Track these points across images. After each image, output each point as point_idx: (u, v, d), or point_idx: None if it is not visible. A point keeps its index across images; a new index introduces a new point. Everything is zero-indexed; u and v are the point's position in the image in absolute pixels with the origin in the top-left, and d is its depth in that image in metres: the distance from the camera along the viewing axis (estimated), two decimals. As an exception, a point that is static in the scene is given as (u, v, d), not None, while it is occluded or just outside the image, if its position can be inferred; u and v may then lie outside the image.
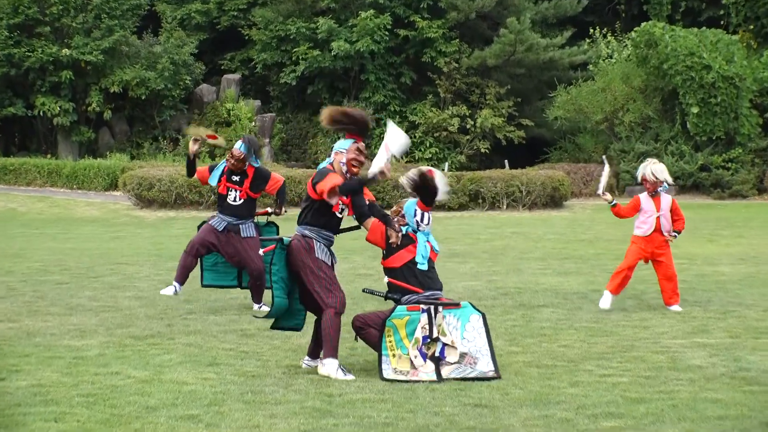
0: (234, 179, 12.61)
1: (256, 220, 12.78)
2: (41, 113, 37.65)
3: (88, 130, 38.65)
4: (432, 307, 8.92)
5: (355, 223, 9.35)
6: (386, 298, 9.19)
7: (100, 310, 12.53)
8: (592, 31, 42.59)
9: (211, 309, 12.69)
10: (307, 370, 9.02)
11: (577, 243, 21.79)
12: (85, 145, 39.07)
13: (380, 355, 8.82)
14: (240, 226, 12.53)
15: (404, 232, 9.20)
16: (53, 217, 28.86)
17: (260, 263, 12.28)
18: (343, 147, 9.06)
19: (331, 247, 9.06)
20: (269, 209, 13.19)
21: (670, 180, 12.88)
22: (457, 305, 9.08)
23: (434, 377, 8.74)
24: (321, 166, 9.08)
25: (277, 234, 12.89)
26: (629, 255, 12.80)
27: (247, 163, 12.59)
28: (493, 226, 26.20)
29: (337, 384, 8.48)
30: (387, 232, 9.12)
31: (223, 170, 12.67)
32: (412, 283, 9.05)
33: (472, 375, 8.80)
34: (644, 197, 12.82)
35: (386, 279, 9.11)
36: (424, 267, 9.11)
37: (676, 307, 12.75)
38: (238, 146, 12.61)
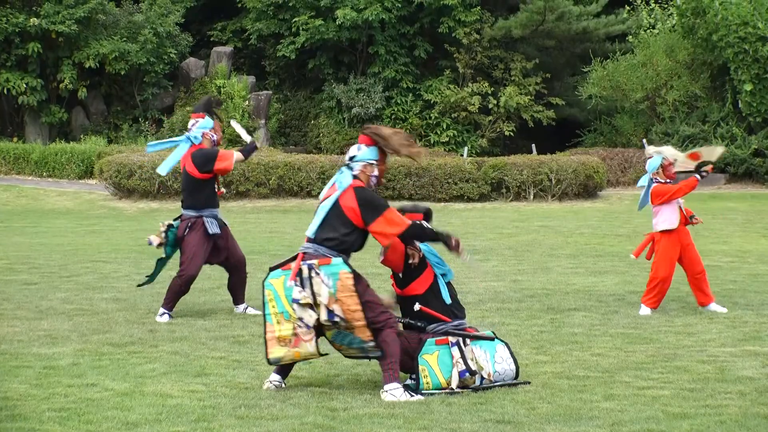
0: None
1: None
2: (6, 91, 37.68)
3: (60, 110, 38.69)
4: (460, 339, 8.97)
5: None
6: (405, 326, 9.14)
7: (73, 313, 12.59)
8: (631, -3, 42.51)
9: (198, 313, 12.74)
10: (307, 382, 9.06)
11: (614, 238, 21.80)
12: (57, 128, 39.12)
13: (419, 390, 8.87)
14: (220, 217, 12.71)
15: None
16: (20, 209, 28.94)
17: (241, 252, 12.73)
18: (372, 158, 9.05)
19: None
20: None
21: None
22: (490, 338, 9.15)
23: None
24: (341, 179, 8.95)
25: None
26: (668, 266, 12.83)
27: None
28: (519, 219, 26.21)
29: (342, 397, 8.52)
30: (407, 250, 9.10)
31: None
32: (438, 310, 9.06)
33: (497, 383, 8.92)
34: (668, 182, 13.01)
35: (417, 306, 9.06)
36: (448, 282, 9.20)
37: (715, 306, 12.85)
38: (210, 123, 12.63)
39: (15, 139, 38.04)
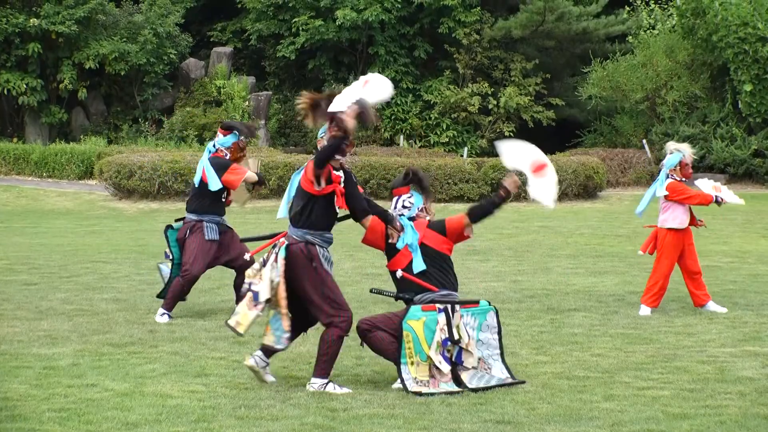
0: None
1: None
2: (6, 91, 37.68)
3: (60, 110, 38.69)
4: (449, 306, 9.00)
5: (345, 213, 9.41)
6: (397, 298, 9.27)
7: (73, 314, 12.59)
8: (631, -3, 42.52)
9: (198, 313, 12.74)
10: (307, 380, 9.06)
11: (613, 239, 21.80)
12: (56, 128, 39.12)
13: (399, 365, 8.87)
14: (224, 222, 12.72)
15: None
16: (20, 209, 28.93)
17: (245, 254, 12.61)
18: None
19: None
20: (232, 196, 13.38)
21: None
22: (475, 303, 9.21)
23: (455, 387, 8.82)
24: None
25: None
26: (668, 263, 12.89)
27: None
28: (518, 220, 26.21)
29: (342, 398, 8.53)
30: (387, 230, 9.20)
31: None
32: (425, 279, 9.12)
33: (492, 383, 8.90)
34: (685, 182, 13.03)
35: (399, 273, 9.16)
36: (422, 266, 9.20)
37: (712, 306, 12.87)
38: (234, 138, 12.64)
39: (15, 140, 38.03)
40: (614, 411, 8.15)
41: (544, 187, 9.39)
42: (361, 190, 9.40)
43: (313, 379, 8.82)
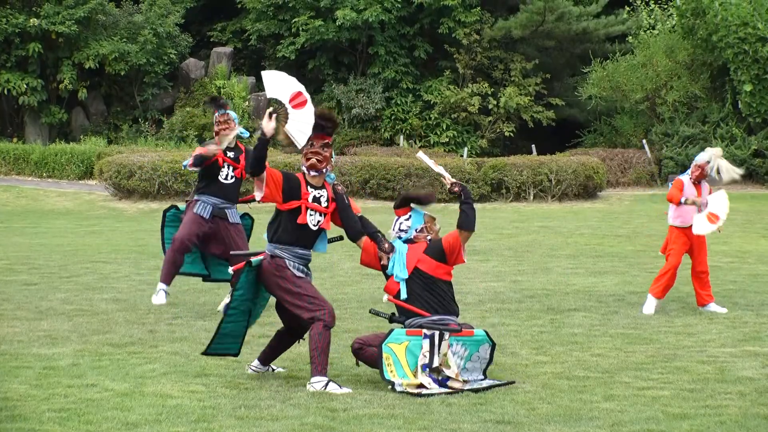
0: (230, 154, 12.68)
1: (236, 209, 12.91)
2: (6, 91, 37.70)
3: (60, 110, 38.72)
4: (437, 333, 8.99)
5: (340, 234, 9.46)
6: (391, 320, 9.30)
7: (73, 314, 12.59)
8: (631, -3, 42.54)
9: (198, 313, 12.73)
10: (307, 381, 9.06)
11: (613, 239, 21.80)
12: (56, 128, 39.14)
13: (384, 378, 8.91)
14: (227, 210, 12.65)
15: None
16: (20, 209, 28.94)
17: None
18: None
19: (308, 265, 9.13)
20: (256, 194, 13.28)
21: (737, 177, 13.19)
22: (469, 331, 9.16)
23: (446, 389, 8.84)
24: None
25: (251, 227, 13.12)
26: (675, 254, 12.98)
27: (235, 125, 12.67)
28: (519, 220, 26.21)
29: (342, 398, 8.52)
30: (378, 253, 9.21)
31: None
32: (417, 305, 9.11)
33: (485, 385, 8.92)
34: (687, 183, 12.99)
35: (385, 298, 9.26)
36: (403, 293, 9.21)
37: (713, 306, 12.89)
38: (221, 112, 12.64)
39: (15, 140, 38.05)
40: (614, 411, 8.15)
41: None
42: (358, 211, 9.44)
43: (313, 379, 8.81)
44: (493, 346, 9.21)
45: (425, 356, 8.94)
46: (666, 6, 41.08)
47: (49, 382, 8.98)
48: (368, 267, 9.39)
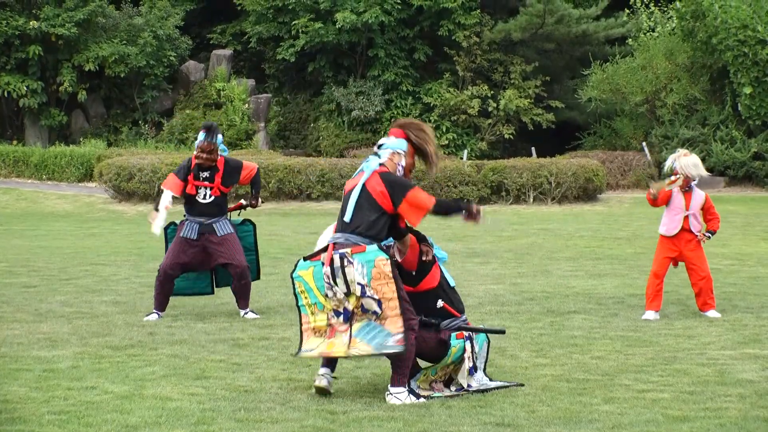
0: (203, 176, 12.63)
1: (229, 218, 12.84)
2: (6, 94, 37.72)
3: (60, 112, 38.73)
4: (468, 334, 9.03)
5: None
6: (422, 323, 8.97)
7: (73, 316, 12.59)
8: (632, 0, 42.51)
9: (198, 316, 12.74)
10: (307, 385, 9.06)
11: (613, 241, 21.81)
12: (56, 130, 39.15)
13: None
14: (214, 224, 12.60)
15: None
16: (20, 212, 28.94)
17: (243, 260, 12.54)
18: (401, 148, 9.01)
19: None
20: (243, 201, 13.24)
21: (704, 174, 12.94)
22: (502, 332, 9.35)
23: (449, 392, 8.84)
24: (368, 165, 8.91)
25: (254, 233, 13.09)
26: (655, 262, 12.89)
27: (218, 155, 12.65)
28: (518, 222, 26.21)
29: (341, 400, 8.52)
30: (421, 247, 9.06)
31: (189, 167, 12.65)
32: (448, 302, 9.05)
33: (491, 386, 8.93)
34: (676, 191, 12.83)
35: (440, 303, 9.01)
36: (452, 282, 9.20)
37: (712, 313, 12.83)
38: (202, 137, 12.61)
39: (15, 142, 38.07)
40: (614, 414, 8.15)
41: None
42: None
43: (392, 389, 8.62)
44: (488, 343, 9.28)
45: (469, 358, 8.93)
46: (666, 8, 41.10)
47: (48, 385, 8.98)
48: (406, 266, 9.01)
